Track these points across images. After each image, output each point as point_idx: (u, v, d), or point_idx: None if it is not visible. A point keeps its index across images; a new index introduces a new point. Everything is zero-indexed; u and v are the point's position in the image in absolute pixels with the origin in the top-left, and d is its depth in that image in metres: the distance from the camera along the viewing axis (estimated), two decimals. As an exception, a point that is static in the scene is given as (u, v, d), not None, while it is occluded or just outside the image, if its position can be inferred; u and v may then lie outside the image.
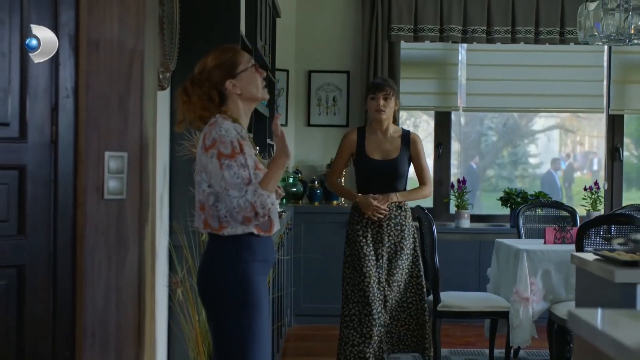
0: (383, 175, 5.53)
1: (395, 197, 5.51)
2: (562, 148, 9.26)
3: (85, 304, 3.51)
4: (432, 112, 8.43)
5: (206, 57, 3.62)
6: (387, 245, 5.49)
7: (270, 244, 3.60)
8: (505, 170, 9.10)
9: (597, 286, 3.72)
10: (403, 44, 8.12)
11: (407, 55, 8.19)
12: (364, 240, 5.48)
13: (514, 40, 8.06)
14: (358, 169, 5.64)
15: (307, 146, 8.18)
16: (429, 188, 5.67)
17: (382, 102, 5.48)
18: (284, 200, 7.53)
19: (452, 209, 8.18)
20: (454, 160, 8.58)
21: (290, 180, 7.84)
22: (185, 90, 3.56)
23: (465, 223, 7.96)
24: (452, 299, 5.91)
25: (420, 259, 5.60)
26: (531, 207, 7.02)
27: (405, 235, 5.52)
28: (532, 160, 9.21)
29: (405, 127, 6.23)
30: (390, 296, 5.46)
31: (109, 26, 3.55)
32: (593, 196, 8.05)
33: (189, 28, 4.62)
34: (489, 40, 8.07)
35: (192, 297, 4.27)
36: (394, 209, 5.52)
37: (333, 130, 8.14)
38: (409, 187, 5.69)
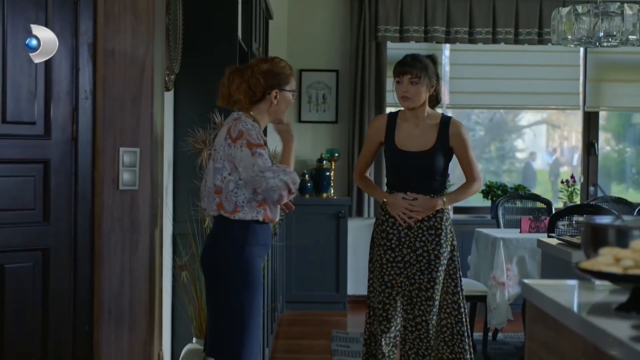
0: (414, 170, 4.62)
1: (441, 202, 4.60)
2: (549, 143, 9.54)
3: (102, 283, 3.93)
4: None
5: (266, 59, 4.07)
6: (418, 252, 4.59)
7: (269, 231, 4.00)
8: (492, 165, 9.38)
9: (558, 266, 4.15)
10: (389, 44, 8.50)
11: (393, 55, 8.56)
12: (388, 244, 4.62)
13: (494, 41, 8.47)
14: (387, 163, 4.80)
15: (298, 141, 8.46)
16: (478, 184, 4.75)
17: (407, 86, 4.58)
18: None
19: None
20: (440, 155, 8.98)
21: (282, 173, 8.22)
22: (241, 73, 3.97)
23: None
24: (434, 284, 6.33)
25: (460, 272, 4.73)
26: (510, 199, 7.45)
27: (442, 242, 4.60)
28: (519, 155, 9.47)
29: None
30: (416, 319, 4.58)
31: (123, 35, 3.96)
32: (569, 189, 8.48)
33: (191, 34, 5.03)
34: (471, 40, 8.47)
35: (196, 279, 4.69)
36: None
37: (323, 127, 8.55)
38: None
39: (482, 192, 8.58)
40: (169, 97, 4.83)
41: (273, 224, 4.05)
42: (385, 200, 4.66)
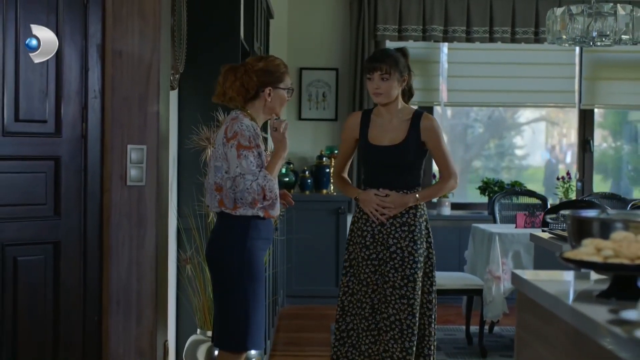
0: (386, 165, 4.57)
1: (413, 198, 4.51)
2: (548, 140, 9.63)
3: (110, 275, 4.08)
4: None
5: (262, 57, 4.23)
6: (392, 249, 4.50)
7: (271, 226, 4.15)
8: (491, 162, 9.46)
9: (550, 259, 4.29)
10: (388, 43, 8.63)
11: (391, 53, 8.73)
12: (362, 242, 4.55)
13: (491, 40, 8.61)
14: (360, 158, 4.82)
15: (298, 139, 8.66)
16: (453, 180, 4.62)
17: (378, 83, 4.52)
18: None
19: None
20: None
21: (283, 170, 8.37)
22: (235, 72, 4.11)
23: (446, 210, 8.53)
24: (432, 278, 6.48)
25: (435, 272, 4.63)
26: (506, 195, 7.61)
27: (416, 239, 4.50)
28: (518, 152, 9.56)
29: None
30: (390, 318, 4.47)
31: (130, 37, 4.10)
32: (565, 185, 8.64)
33: (195, 34, 5.18)
34: (469, 39, 8.61)
35: (200, 272, 4.84)
36: None
37: (323, 124, 8.69)
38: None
39: (479, 188, 8.73)
40: (173, 95, 4.97)
41: (274, 219, 4.18)
42: (357, 196, 4.60)
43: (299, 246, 8.08)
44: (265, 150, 4.11)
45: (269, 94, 4.10)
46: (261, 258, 4.08)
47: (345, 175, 4.83)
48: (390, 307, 4.46)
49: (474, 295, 6.52)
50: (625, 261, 2.21)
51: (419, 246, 4.49)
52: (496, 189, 8.62)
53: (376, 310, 4.53)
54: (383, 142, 4.56)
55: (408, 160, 4.53)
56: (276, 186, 4.00)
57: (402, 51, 4.69)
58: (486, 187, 8.72)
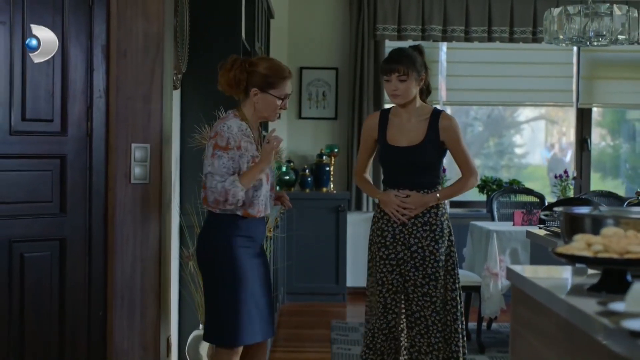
0: (404, 165, 4.53)
1: (434, 198, 4.51)
2: (548, 138, 9.68)
3: (115, 271, 4.17)
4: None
5: (265, 58, 4.21)
6: (413, 249, 4.49)
7: (255, 224, 4.06)
8: (491, 160, 9.52)
9: (546, 256, 4.37)
10: (387, 42, 8.71)
11: (391, 53, 8.83)
12: (382, 242, 4.54)
13: (490, 39, 8.68)
14: (379, 159, 4.69)
15: (298, 137, 8.75)
16: (473, 178, 4.60)
17: (396, 84, 4.47)
18: (277, 187, 8.14)
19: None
20: (440, 150, 9.23)
21: (284, 168, 8.44)
22: (234, 63, 4.06)
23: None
24: (430, 275, 6.56)
25: (457, 270, 4.64)
26: (504, 193, 7.69)
27: (437, 238, 4.50)
28: (517, 151, 9.62)
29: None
30: (415, 315, 4.50)
31: (135, 37, 4.19)
32: (563, 184, 8.72)
33: (197, 34, 5.25)
34: (467, 39, 8.69)
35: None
36: None
37: (322, 123, 8.77)
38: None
39: (478, 186, 8.81)
40: (176, 95, 5.05)
41: (261, 218, 4.08)
42: (378, 197, 4.60)
43: (299, 244, 8.15)
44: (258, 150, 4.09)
45: (255, 95, 4.05)
46: (243, 255, 4.02)
47: (367, 175, 4.77)
48: (414, 304, 4.48)
49: (472, 292, 6.60)
50: (615, 256, 2.29)
51: (440, 245, 4.49)
52: (494, 187, 8.71)
53: (388, 310, 4.52)
54: (401, 143, 4.53)
55: (427, 160, 4.51)
56: (241, 194, 3.92)
57: (419, 49, 4.64)
58: (484, 185, 8.81)
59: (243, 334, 4.01)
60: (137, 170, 4.19)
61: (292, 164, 8.60)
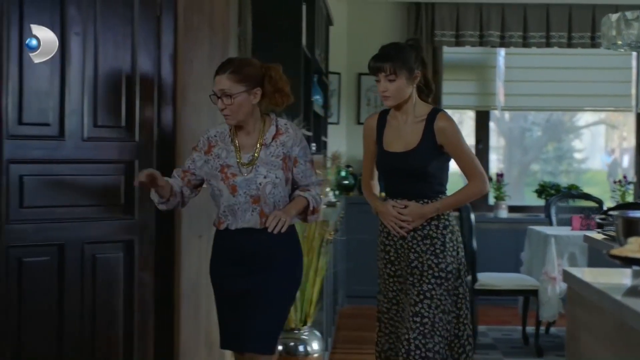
0: (402, 173, 4.07)
1: (433, 208, 4.02)
2: (608, 143, 9.70)
3: (181, 272, 4.30)
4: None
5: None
6: (413, 264, 4.02)
7: (222, 236, 3.81)
8: (550, 165, 9.57)
9: (603, 260, 4.42)
10: (446, 48, 8.82)
11: (449, 59, 8.91)
12: (387, 257, 4.12)
13: (548, 45, 8.74)
14: (377, 167, 4.25)
15: (357, 143, 8.79)
16: (479, 184, 4.05)
17: (384, 85, 3.98)
18: (336, 192, 8.25)
19: (492, 201, 8.87)
20: (499, 155, 9.33)
21: (342, 173, 8.57)
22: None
23: (503, 213, 8.66)
24: (488, 278, 6.63)
25: (467, 294, 4.09)
26: (562, 198, 7.72)
27: (438, 253, 4.01)
28: (577, 155, 9.65)
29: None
30: (404, 335, 3.97)
31: (200, 46, 4.33)
32: (622, 189, 8.70)
33: (259, 42, 5.39)
34: (525, 44, 8.75)
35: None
36: None
37: (381, 128, 8.85)
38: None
39: (536, 191, 8.85)
40: (239, 101, 5.17)
41: (226, 229, 3.78)
42: (377, 209, 4.16)
43: (359, 247, 8.24)
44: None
45: None
46: (212, 267, 3.88)
47: (376, 182, 4.31)
48: (406, 324, 4.00)
49: (530, 295, 6.66)
50: (668, 258, 2.37)
51: (440, 260, 3.99)
52: (553, 192, 8.72)
53: (393, 329, 4.15)
54: (397, 148, 4.07)
55: (425, 166, 4.01)
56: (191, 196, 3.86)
57: (413, 44, 4.10)
58: (543, 190, 8.83)
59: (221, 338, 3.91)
60: (202, 175, 4.31)
61: (351, 168, 8.73)
